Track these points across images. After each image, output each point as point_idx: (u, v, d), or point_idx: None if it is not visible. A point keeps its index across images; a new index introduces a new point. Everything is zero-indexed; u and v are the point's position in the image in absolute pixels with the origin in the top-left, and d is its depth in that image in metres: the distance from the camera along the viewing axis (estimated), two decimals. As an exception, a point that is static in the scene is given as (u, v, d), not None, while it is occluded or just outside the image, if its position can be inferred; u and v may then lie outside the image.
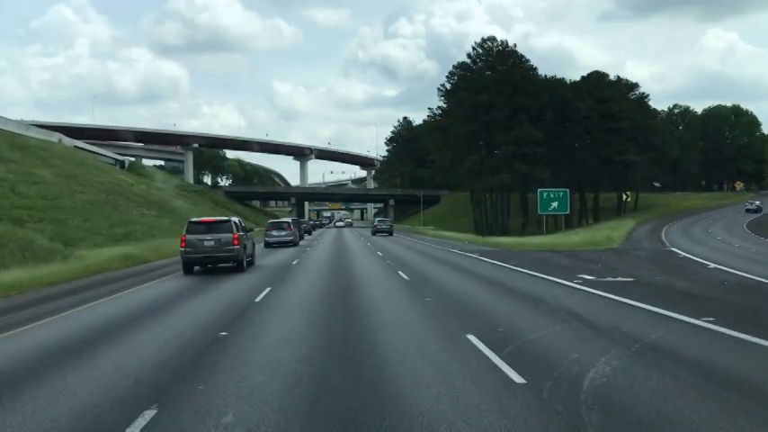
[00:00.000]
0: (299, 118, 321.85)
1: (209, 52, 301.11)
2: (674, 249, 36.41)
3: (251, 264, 24.50)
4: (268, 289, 16.88)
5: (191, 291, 17.74)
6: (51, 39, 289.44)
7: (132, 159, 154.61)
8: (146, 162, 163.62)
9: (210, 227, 22.01)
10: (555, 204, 40.74)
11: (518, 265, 24.28)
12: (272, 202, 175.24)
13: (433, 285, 17.88)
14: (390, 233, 63.09)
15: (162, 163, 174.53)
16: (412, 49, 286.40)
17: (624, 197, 77.79)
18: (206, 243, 21.28)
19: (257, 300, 14.95)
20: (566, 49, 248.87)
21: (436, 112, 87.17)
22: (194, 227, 22.03)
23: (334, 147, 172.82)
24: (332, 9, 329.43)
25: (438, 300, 14.47)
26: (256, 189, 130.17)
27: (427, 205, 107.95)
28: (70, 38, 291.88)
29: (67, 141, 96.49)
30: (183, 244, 21.45)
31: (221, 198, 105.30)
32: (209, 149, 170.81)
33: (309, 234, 66.93)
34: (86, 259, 28.04)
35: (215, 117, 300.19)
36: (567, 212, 42.58)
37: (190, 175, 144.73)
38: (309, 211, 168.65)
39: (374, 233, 63.03)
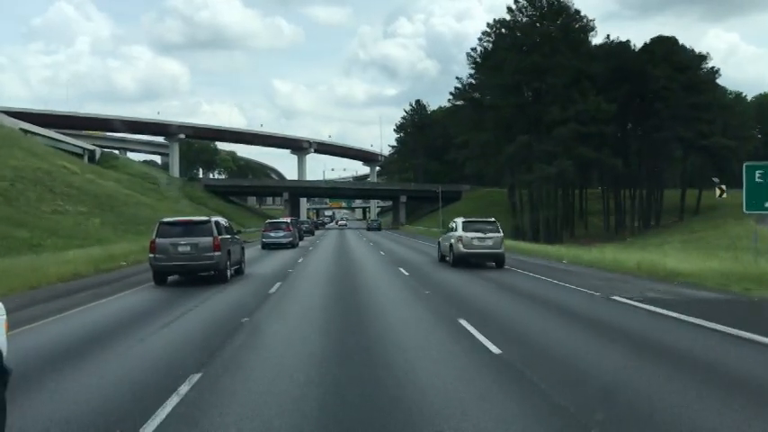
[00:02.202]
0: (300, 117, 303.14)
1: (209, 50, 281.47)
2: None
3: (239, 272, 19.35)
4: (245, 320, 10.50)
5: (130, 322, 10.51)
6: (52, 36, 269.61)
7: (116, 152, 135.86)
8: (133, 156, 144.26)
9: (186, 229, 17.00)
10: (775, 195, 19.19)
11: None
12: (269, 200, 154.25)
13: None
14: (379, 229, 77.90)
15: (158, 159, 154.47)
16: (412, 49, 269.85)
17: (719, 192, 55.13)
18: (180, 248, 16.56)
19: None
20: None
21: (465, 83, 64.22)
22: (167, 229, 16.94)
23: (335, 140, 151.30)
24: (333, 7, 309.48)
25: None
26: (241, 182, 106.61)
27: (445, 203, 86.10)
28: (71, 36, 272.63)
29: (10, 123, 75.05)
30: (153, 249, 16.64)
31: (199, 193, 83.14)
32: (200, 142, 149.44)
33: (312, 234, 59.81)
34: None
35: (215, 115, 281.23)
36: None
37: (176, 169, 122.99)
38: (308, 210, 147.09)
39: (368, 229, 77.90)
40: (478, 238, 21.95)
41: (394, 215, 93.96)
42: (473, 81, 62.92)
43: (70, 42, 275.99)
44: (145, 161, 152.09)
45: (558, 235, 58.10)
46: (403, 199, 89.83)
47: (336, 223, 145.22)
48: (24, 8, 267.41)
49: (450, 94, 63.28)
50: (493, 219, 23.96)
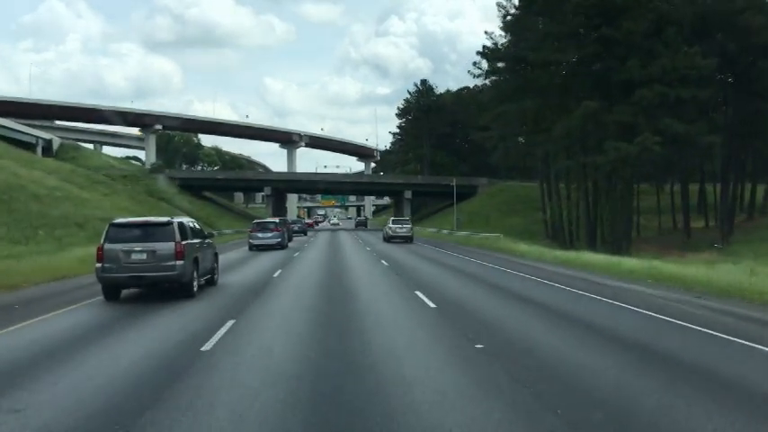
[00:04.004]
0: (292, 115, 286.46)
1: (200, 48, 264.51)
2: None
3: (211, 283, 15.76)
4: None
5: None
6: (42, 34, 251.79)
7: (89, 145, 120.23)
8: (109, 150, 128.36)
9: (142, 232, 13.48)
10: None
11: None
12: (259, 198, 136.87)
13: None
14: (365, 225, 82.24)
15: (143, 154, 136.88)
16: (404, 47, 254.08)
17: None
18: (134, 256, 13.10)
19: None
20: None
21: (497, 39, 46.29)
22: (118, 232, 13.42)
23: (327, 134, 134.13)
24: (325, 5, 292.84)
25: None
26: (214, 175, 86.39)
27: (457, 200, 69.01)
28: (61, 33, 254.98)
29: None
30: (101, 257, 13.02)
31: (163, 188, 65.33)
32: (181, 135, 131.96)
33: (304, 234, 55.30)
34: None
35: (206, 114, 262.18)
36: None
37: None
38: (298, 208, 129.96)
39: (356, 226, 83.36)
40: (398, 227, 41.03)
41: (396, 214, 76.69)
42: (508, 36, 45.31)
43: (60, 40, 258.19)
44: (128, 157, 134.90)
45: (623, 242, 41.21)
46: (408, 195, 72.32)
47: (329, 222, 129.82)
48: (14, 6, 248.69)
49: (478, 53, 45.66)
50: (408, 218, 52.31)
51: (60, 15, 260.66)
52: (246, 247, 32.45)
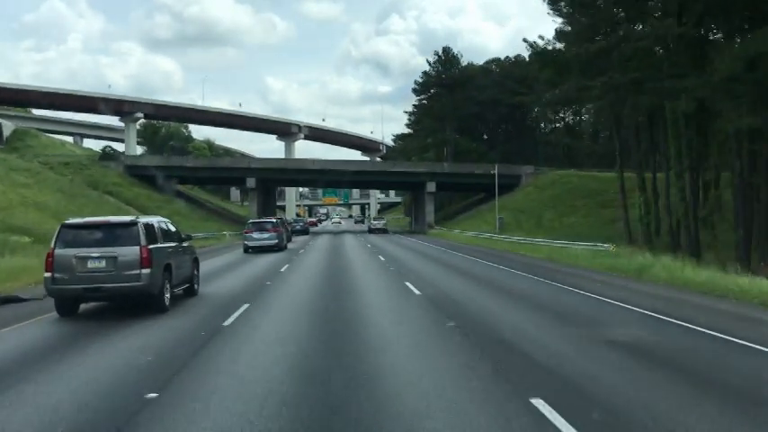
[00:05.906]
0: (293, 114, 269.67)
1: (200, 47, 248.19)
2: None
3: (190, 293, 12.48)
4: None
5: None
6: (42, 33, 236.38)
7: (68, 138, 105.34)
8: (90, 143, 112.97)
9: (102, 235, 10.53)
10: None
11: None
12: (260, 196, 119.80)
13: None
14: (363, 222, 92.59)
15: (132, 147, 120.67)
16: (404, 45, 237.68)
17: None
18: (91, 264, 10.20)
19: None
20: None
21: None
22: (72, 234, 10.50)
23: (329, 125, 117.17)
24: (325, 3, 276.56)
25: None
26: (183, 162, 64.58)
27: (489, 194, 52.06)
28: (61, 32, 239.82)
29: None
30: (50, 265, 10.16)
31: (115, 179, 48.01)
32: (169, 126, 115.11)
33: (306, 233, 52.10)
34: None
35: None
36: None
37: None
38: (298, 206, 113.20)
39: (355, 223, 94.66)
40: (377, 222, 57.64)
41: (415, 212, 59.55)
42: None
43: (61, 39, 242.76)
44: (107, 148, 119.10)
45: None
46: (431, 188, 54.97)
47: (330, 221, 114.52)
48: (13, 4, 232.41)
49: None
50: (383, 217, 72.32)
51: (60, 14, 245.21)
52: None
